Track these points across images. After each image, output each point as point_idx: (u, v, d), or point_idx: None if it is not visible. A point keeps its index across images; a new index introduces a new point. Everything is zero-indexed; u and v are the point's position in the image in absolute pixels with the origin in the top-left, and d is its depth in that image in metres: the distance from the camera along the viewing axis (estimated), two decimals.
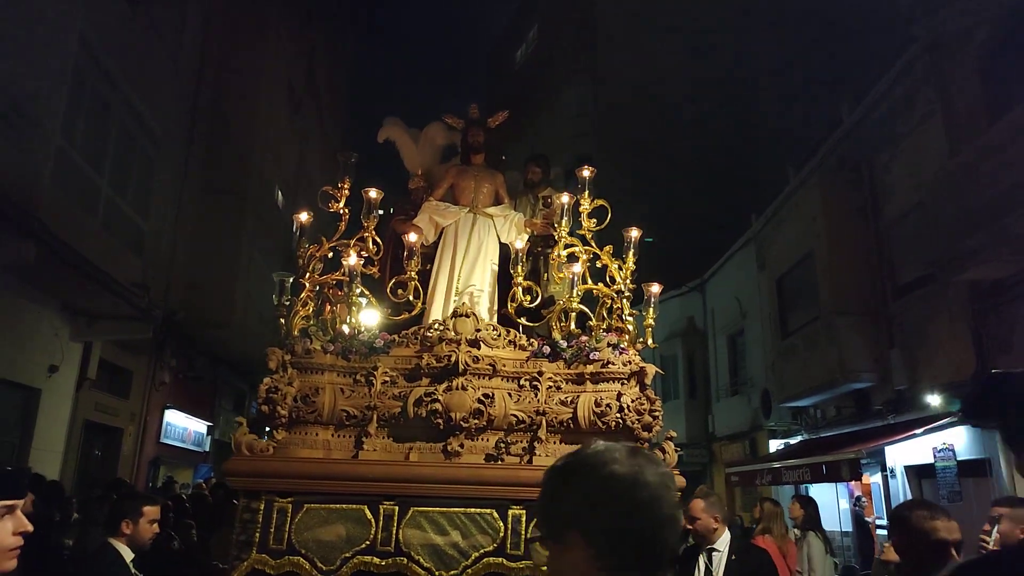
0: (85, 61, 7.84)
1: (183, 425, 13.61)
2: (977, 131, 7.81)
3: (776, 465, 10.61)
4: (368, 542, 3.57)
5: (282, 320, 4.12)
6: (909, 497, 9.59)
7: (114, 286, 8.38)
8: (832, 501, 12.11)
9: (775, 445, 13.49)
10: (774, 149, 16.85)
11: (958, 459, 8.45)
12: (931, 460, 8.91)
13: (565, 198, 4.42)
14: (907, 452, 9.57)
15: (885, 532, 8.58)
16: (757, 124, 18.88)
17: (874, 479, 11.12)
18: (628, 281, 4.25)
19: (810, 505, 5.84)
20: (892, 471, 9.95)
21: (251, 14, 13.53)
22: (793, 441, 12.91)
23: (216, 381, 15.39)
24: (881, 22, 10.39)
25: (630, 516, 1.14)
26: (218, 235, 12.42)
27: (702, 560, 3.88)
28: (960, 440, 8.45)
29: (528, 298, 4.27)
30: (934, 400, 8.43)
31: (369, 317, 4.31)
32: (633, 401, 3.88)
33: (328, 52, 20.96)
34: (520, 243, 4.43)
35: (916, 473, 9.60)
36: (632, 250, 4.32)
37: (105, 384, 10.28)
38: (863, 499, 10.93)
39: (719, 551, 3.85)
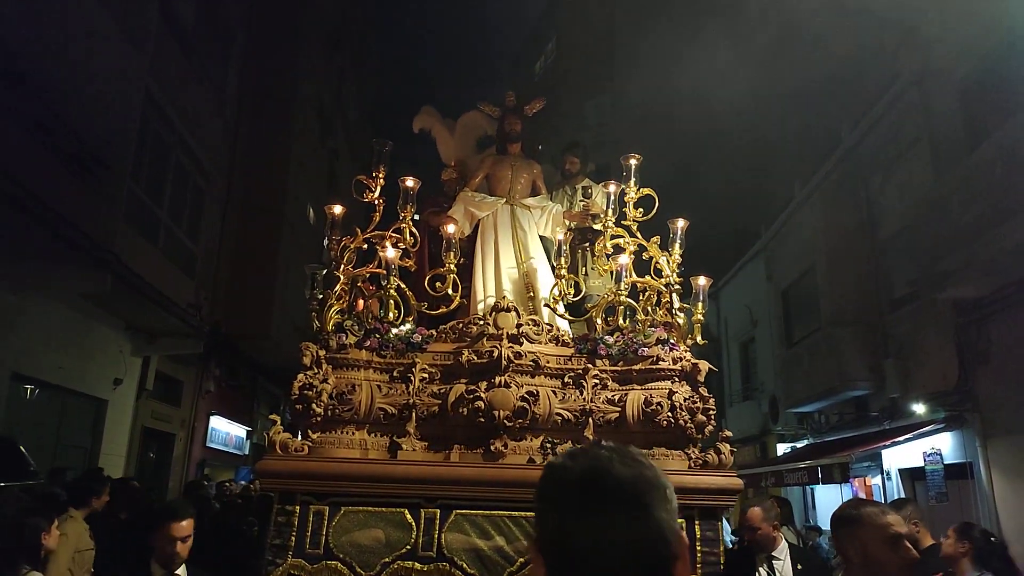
0: (149, 109, 8.81)
1: (226, 430, 14.62)
2: (959, 158, 8.47)
3: (778, 468, 11.30)
4: (409, 547, 3.45)
5: (314, 314, 3.96)
6: (903, 496, 10.25)
7: (174, 308, 9.34)
8: (837, 501, 12.76)
9: (783, 448, 14.15)
10: (784, 161, 17.45)
11: (944, 463, 9.09)
12: (921, 463, 9.56)
13: (612, 187, 4.25)
14: (901, 456, 10.22)
15: None
16: (769, 136, 19.48)
17: (875, 481, 11.74)
18: (675, 274, 4.07)
19: (785, 505, 6.55)
20: (888, 473, 10.60)
21: (286, 45, 14.49)
22: (799, 444, 13.55)
23: (255, 388, 16.41)
24: (876, 49, 11.02)
25: (575, 522, 0.95)
26: (257, 253, 13.40)
27: (763, 570, 3.74)
28: (946, 445, 9.10)
29: (571, 291, 4.18)
30: (919, 408, 9.09)
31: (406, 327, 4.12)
32: (686, 400, 3.72)
33: (355, 72, 21.95)
34: (562, 234, 4.28)
35: (909, 476, 10.25)
36: (678, 241, 4.13)
37: (160, 394, 11.27)
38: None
39: (780, 559, 3.73)
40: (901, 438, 9.22)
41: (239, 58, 12.63)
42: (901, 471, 10.35)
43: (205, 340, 11.27)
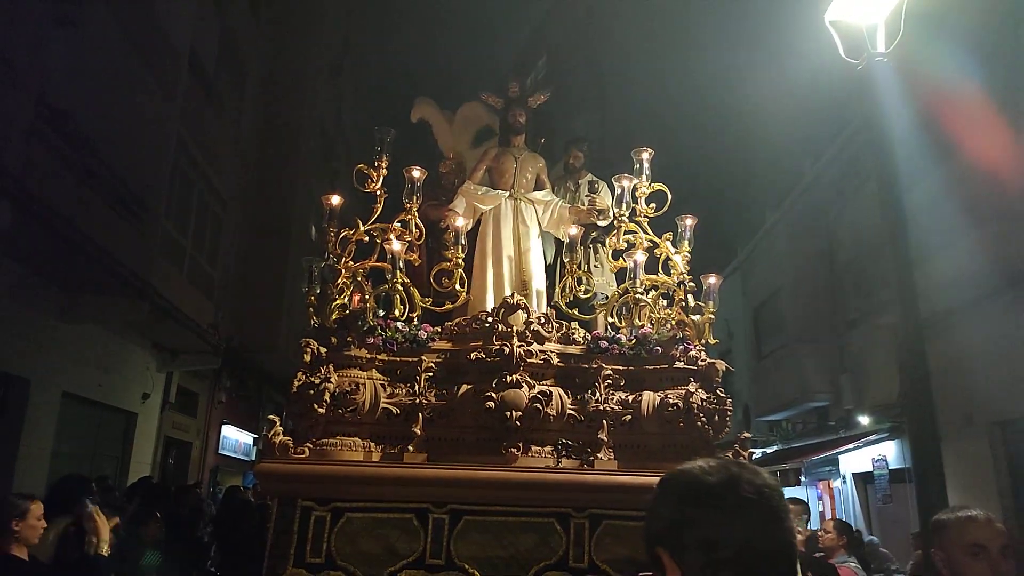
0: (178, 151, 9.79)
1: (235, 438, 15.60)
2: (900, 199, 9.55)
3: None
4: (417, 554, 3.30)
5: (311, 310, 3.80)
6: (856, 498, 11.37)
7: (197, 329, 10.34)
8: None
9: (755, 454, 15.23)
10: (760, 185, 18.56)
11: (889, 468, 10.20)
12: (871, 469, 10.67)
13: (625, 181, 4.12)
14: (855, 461, 11.33)
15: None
16: (747, 160, 20.62)
17: (836, 484, 12.86)
18: (685, 274, 4.00)
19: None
20: (844, 477, 11.71)
21: (294, 76, 15.47)
22: (769, 450, 14.64)
23: (261, 397, 17.37)
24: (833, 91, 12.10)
25: (721, 528, 1.01)
26: (265, 271, 14.39)
27: None
28: (891, 453, 10.19)
29: (582, 288, 4.08)
30: (864, 419, 10.19)
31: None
32: (703, 401, 3.59)
33: (354, 93, 22.95)
34: (574, 230, 4.20)
35: (862, 479, 11.36)
36: (687, 239, 4.09)
37: (180, 406, 12.24)
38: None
39: None
40: (850, 445, 10.31)
41: (252, 93, 13.63)
42: (855, 475, 11.46)
43: (221, 356, 12.25)
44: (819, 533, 4.90)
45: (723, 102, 20.13)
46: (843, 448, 10.52)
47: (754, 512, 1.03)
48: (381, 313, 3.90)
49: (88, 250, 7.54)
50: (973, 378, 8.45)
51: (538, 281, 4.59)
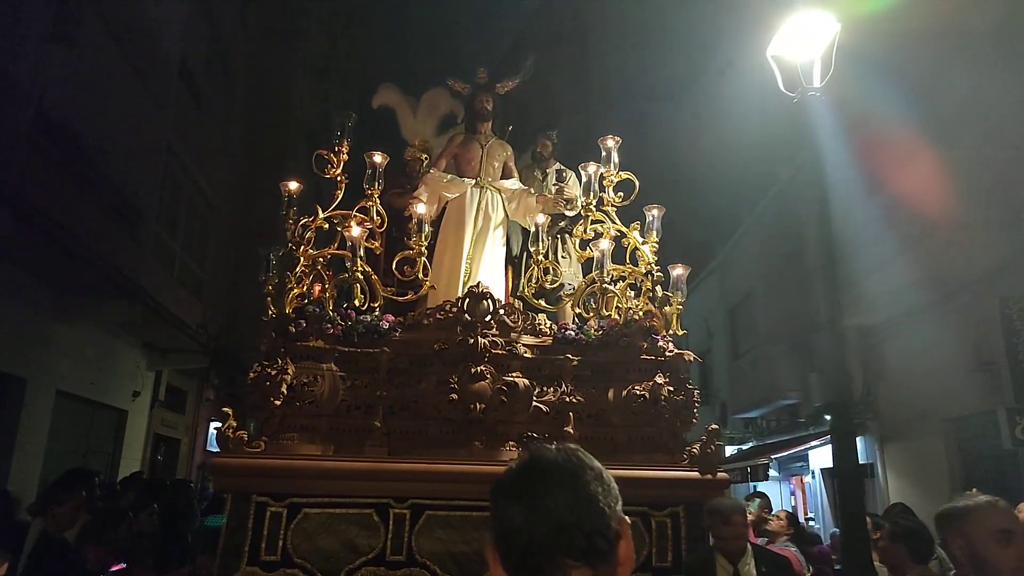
0: (168, 158, 10.09)
1: None
2: (862, 203, 10.02)
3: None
4: (377, 551, 3.21)
5: (269, 300, 3.72)
6: (824, 493, 11.84)
7: (187, 330, 10.64)
8: (776, 496, 14.35)
9: (731, 450, 15.70)
10: (737, 188, 19.00)
11: None
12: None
13: (591, 168, 4.03)
14: (823, 457, 11.78)
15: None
16: (726, 163, 21.06)
17: (808, 479, 13.35)
18: (653, 264, 3.93)
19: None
20: (813, 473, 12.18)
21: (281, 79, 15.74)
22: (745, 447, 15.11)
23: (246, 395, 17.64)
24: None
25: (515, 503, 1.00)
26: (252, 272, 14.64)
27: None
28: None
29: (549, 278, 4.02)
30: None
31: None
32: (670, 392, 3.55)
33: (341, 95, 23.21)
34: (541, 218, 4.13)
35: (829, 474, 11.81)
36: (655, 229, 4.04)
37: (169, 403, 12.52)
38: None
39: (747, 563, 3.47)
40: (816, 442, 10.76)
41: (240, 96, 13.91)
42: (823, 470, 11.92)
43: (210, 356, 12.54)
44: (770, 518, 5.29)
45: (706, 107, 20.60)
46: (810, 444, 10.96)
47: (547, 482, 1.02)
48: (344, 305, 3.78)
49: (82, 254, 7.83)
50: (927, 377, 8.94)
51: (485, 276, 4.33)
